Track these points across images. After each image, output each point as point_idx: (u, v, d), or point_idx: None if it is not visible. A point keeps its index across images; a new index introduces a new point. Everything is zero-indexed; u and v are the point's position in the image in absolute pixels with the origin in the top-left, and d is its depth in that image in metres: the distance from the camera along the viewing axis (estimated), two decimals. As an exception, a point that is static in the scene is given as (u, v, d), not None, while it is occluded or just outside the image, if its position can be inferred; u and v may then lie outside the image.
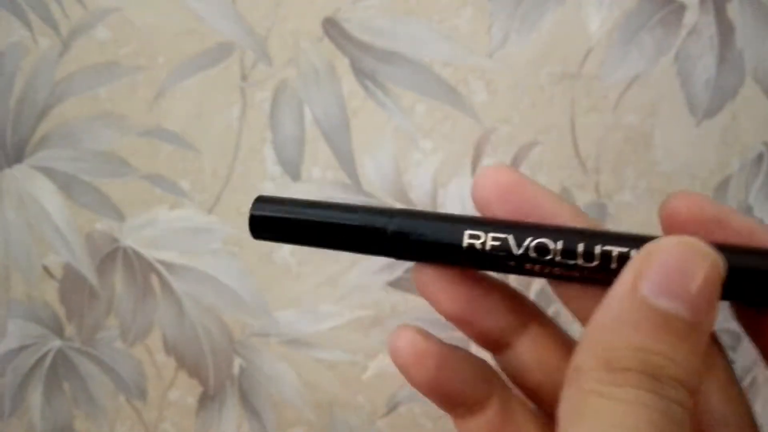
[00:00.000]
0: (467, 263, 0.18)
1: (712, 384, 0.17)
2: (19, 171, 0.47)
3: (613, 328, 0.14)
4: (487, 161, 0.44)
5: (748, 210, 0.43)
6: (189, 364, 0.49)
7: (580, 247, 0.17)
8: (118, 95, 0.46)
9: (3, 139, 0.47)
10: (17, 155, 0.47)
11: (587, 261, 0.17)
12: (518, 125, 0.43)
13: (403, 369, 0.19)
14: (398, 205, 0.44)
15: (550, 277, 0.18)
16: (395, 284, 0.46)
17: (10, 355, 0.51)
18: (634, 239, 0.17)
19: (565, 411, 0.15)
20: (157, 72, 0.45)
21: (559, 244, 0.17)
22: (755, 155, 0.42)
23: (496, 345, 0.20)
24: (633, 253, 0.16)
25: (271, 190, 0.46)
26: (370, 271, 0.46)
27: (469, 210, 0.45)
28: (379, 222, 0.19)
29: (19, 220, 0.48)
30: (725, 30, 0.41)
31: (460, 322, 0.20)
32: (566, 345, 0.20)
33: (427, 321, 0.45)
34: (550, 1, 0.42)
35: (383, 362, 0.47)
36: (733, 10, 0.41)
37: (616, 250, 0.17)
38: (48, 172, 0.47)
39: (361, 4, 0.43)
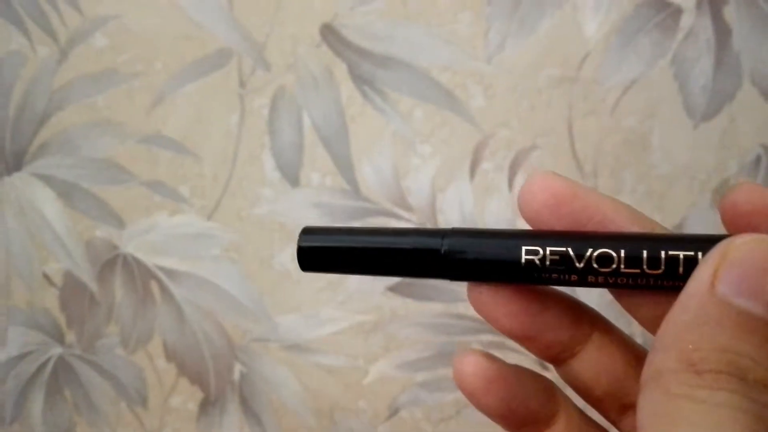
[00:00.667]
0: (527, 280, 0.18)
1: None
2: (18, 179, 0.47)
3: (693, 327, 0.14)
4: (485, 166, 0.44)
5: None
6: (190, 370, 0.49)
7: (645, 254, 0.16)
8: (117, 102, 0.46)
9: (2, 147, 0.47)
10: (16, 163, 0.47)
11: (653, 268, 0.16)
12: (516, 129, 0.43)
13: (472, 396, 0.19)
14: (396, 209, 0.44)
15: (614, 287, 0.17)
16: (395, 289, 0.46)
17: (11, 363, 0.51)
18: (700, 240, 0.16)
19: (650, 416, 0.14)
20: (156, 79, 0.45)
21: (623, 253, 0.16)
22: (753, 157, 0.42)
23: (558, 357, 0.20)
24: (701, 256, 0.16)
25: (270, 196, 0.46)
26: (370, 276, 0.46)
27: (468, 214, 0.45)
28: (432, 243, 0.18)
29: (19, 228, 0.48)
30: (722, 33, 0.42)
31: (522, 338, 0.19)
32: (632, 351, 0.20)
33: (427, 325, 0.45)
34: (547, 6, 0.42)
35: (384, 367, 0.47)
36: (729, 13, 0.41)
37: (682, 254, 0.16)
38: (47, 180, 0.47)
39: (359, 10, 0.43)
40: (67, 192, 0.48)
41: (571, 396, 0.21)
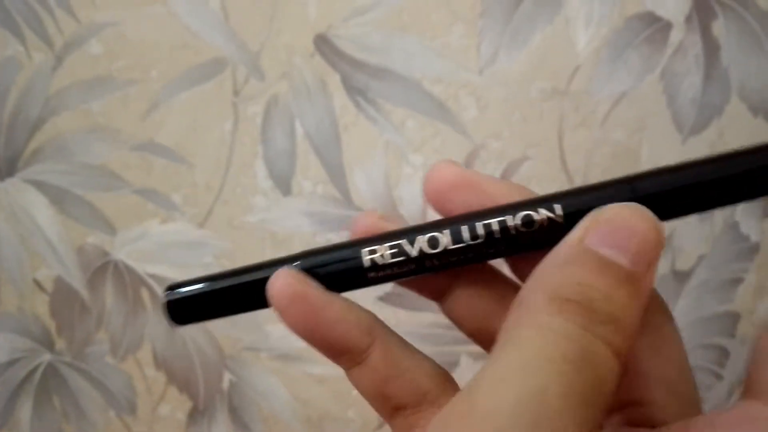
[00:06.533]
0: (374, 281, 0.19)
1: (647, 346, 0.18)
2: (11, 184, 0.47)
3: (559, 267, 0.16)
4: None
5: (734, 226, 0.44)
6: (179, 378, 0.49)
7: (465, 232, 0.18)
8: (111, 109, 0.46)
9: (-4, 153, 0.47)
10: (10, 169, 0.47)
11: (475, 240, 0.18)
12: (508, 141, 0.44)
13: (278, 310, 0.19)
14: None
15: (453, 265, 0.19)
16: (385, 299, 0.46)
17: (0, 369, 0.51)
18: (514, 207, 0.18)
19: (502, 331, 0.16)
20: (150, 86, 0.46)
21: (446, 234, 0.18)
22: (741, 171, 0.42)
23: (436, 293, 0.21)
24: (509, 219, 0.18)
25: (262, 204, 0.46)
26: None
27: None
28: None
29: (11, 234, 0.48)
30: (711, 48, 0.42)
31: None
32: (503, 289, 0.21)
33: (417, 335, 0.45)
34: (538, 19, 0.43)
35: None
36: (718, 28, 0.42)
37: (496, 221, 0.18)
38: (40, 186, 0.48)
39: (353, 21, 0.44)
40: (59, 198, 0.48)
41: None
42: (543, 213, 0.18)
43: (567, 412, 0.14)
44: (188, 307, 0.20)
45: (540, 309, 0.15)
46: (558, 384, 0.14)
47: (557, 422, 0.13)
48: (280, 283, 0.19)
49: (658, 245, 0.16)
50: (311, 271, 0.19)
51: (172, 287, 0.20)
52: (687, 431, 0.16)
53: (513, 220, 0.18)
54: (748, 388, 0.17)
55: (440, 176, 0.20)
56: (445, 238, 0.18)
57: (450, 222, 0.19)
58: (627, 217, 0.16)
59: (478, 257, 0.19)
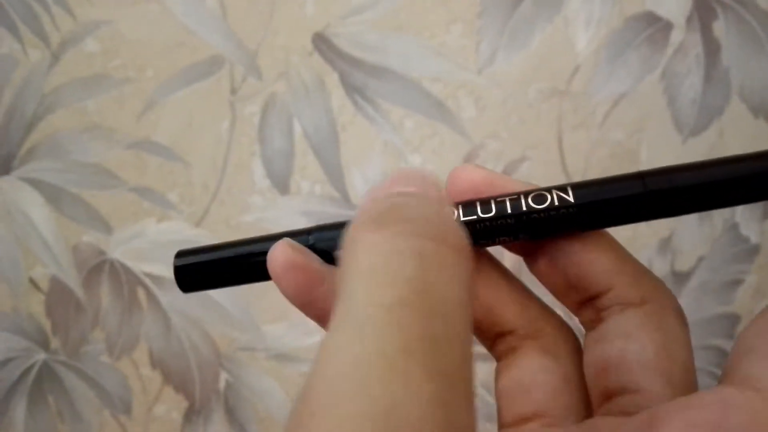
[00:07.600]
0: None
1: (650, 340, 0.19)
2: (6, 182, 0.47)
3: (365, 205, 0.16)
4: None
5: (734, 227, 0.43)
6: (175, 378, 0.49)
7: (493, 206, 0.19)
8: (107, 107, 0.46)
9: (-9, 151, 0.47)
10: (5, 167, 0.47)
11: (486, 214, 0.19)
12: (506, 141, 0.44)
13: (275, 279, 0.19)
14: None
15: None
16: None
17: (-6, 368, 0.50)
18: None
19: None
20: (147, 85, 0.45)
21: (493, 205, 0.19)
22: (741, 173, 0.42)
23: None
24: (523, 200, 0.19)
25: (259, 203, 0.46)
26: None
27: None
28: (301, 241, 0.19)
29: (6, 232, 0.48)
30: (712, 48, 0.42)
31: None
32: (498, 280, 0.21)
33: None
34: (538, 19, 0.42)
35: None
36: (719, 29, 0.42)
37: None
38: (36, 184, 0.47)
39: (351, 20, 0.44)
40: (55, 197, 0.47)
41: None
42: (556, 194, 0.19)
43: (414, 369, 0.11)
44: (198, 274, 0.20)
45: (358, 236, 0.14)
46: (397, 336, 0.12)
47: (403, 386, 0.11)
48: (279, 251, 0.19)
49: (433, 179, 0.16)
50: (327, 244, 0.19)
51: (182, 253, 0.20)
52: (664, 412, 0.16)
53: (526, 201, 0.19)
54: (726, 374, 0.16)
55: (466, 178, 0.20)
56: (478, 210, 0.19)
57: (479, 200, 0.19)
58: (399, 171, 0.16)
59: (486, 235, 0.19)
